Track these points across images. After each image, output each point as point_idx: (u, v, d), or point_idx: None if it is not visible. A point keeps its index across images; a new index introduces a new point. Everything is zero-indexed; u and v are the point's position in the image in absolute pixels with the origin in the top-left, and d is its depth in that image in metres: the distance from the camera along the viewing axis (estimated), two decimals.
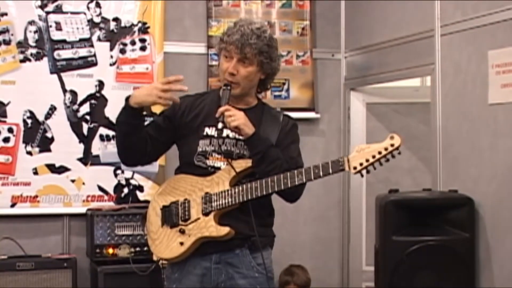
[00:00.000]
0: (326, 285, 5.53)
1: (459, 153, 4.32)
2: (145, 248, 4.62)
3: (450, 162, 4.40)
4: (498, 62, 4.02)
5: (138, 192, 5.11)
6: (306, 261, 5.45)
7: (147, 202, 4.99)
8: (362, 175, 2.96)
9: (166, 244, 3.10)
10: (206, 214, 3.05)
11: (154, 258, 4.44)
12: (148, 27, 5.17)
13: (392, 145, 2.92)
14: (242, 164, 3.05)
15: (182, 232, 3.07)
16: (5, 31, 4.86)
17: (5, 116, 4.86)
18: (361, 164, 2.91)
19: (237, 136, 3.07)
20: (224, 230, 3.01)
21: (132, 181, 5.10)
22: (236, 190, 3.01)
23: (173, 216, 3.11)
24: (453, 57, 4.40)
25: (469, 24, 4.24)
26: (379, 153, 2.91)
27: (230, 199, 3.01)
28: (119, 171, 5.07)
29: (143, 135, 3.15)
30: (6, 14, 4.86)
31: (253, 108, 3.19)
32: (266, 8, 5.52)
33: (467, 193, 4.13)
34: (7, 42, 4.86)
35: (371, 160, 2.91)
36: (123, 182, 5.09)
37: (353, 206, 5.57)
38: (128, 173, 5.08)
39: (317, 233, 5.62)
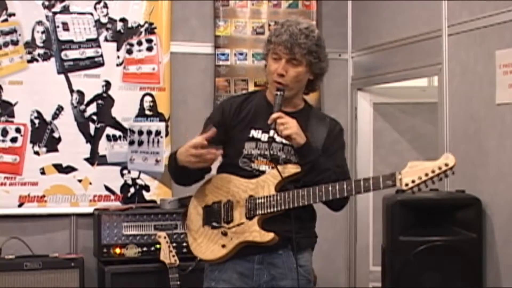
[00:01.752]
0: (333, 285, 5.53)
1: (466, 153, 4.31)
2: (152, 248, 4.63)
3: (457, 162, 4.37)
4: (506, 62, 4.01)
5: (144, 192, 5.11)
6: (313, 261, 5.42)
7: (154, 202, 5.06)
8: (413, 192, 2.89)
9: (207, 245, 3.06)
10: (250, 218, 3.00)
11: (162, 258, 4.48)
12: (155, 28, 5.18)
13: (446, 164, 2.83)
14: (290, 170, 3.00)
15: (225, 234, 3.03)
16: (13, 31, 4.87)
17: (13, 116, 4.87)
18: (413, 181, 2.83)
19: (284, 140, 3.02)
20: (269, 236, 2.96)
21: (139, 181, 5.10)
22: (282, 196, 2.96)
23: (215, 216, 3.06)
24: (460, 57, 4.39)
25: (477, 24, 4.23)
26: (433, 171, 2.82)
27: (275, 205, 2.96)
28: (125, 171, 5.08)
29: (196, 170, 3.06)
30: (14, 14, 4.87)
31: (301, 111, 3.13)
32: (272, 8, 5.52)
33: (474, 193, 4.12)
34: (14, 43, 4.88)
35: (424, 178, 2.83)
36: (130, 182, 5.10)
37: (360, 206, 5.57)
38: (134, 173, 5.09)
39: (324, 233, 5.54)
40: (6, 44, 4.85)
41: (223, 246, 3.02)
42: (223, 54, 5.39)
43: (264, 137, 3.04)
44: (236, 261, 3.03)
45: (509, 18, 3.98)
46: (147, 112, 5.14)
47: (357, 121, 5.57)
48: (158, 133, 5.13)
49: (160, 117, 5.14)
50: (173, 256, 4.48)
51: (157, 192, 5.11)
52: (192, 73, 5.32)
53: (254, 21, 5.47)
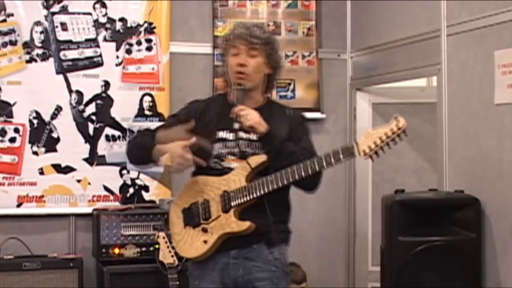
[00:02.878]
0: (332, 285, 5.52)
1: (465, 153, 4.31)
2: (151, 248, 4.63)
3: (456, 162, 4.39)
4: (505, 62, 4.01)
5: (143, 192, 5.11)
6: (312, 261, 5.45)
7: (153, 202, 5.06)
8: (372, 160, 3.00)
9: (190, 244, 3.21)
10: (226, 211, 3.14)
11: (160, 258, 4.48)
12: (154, 27, 5.17)
13: (397, 126, 2.93)
14: (256, 160, 3.14)
15: (205, 230, 3.17)
16: (11, 31, 4.87)
17: (11, 117, 4.87)
18: (369, 148, 2.95)
19: (250, 137, 3.17)
20: (245, 224, 3.10)
21: (138, 181, 5.10)
22: (253, 184, 3.10)
23: (194, 216, 3.21)
24: (460, 57, 4.39)
25: (476, 24, 4.23)
26: (386, 136, 2.93)
27: (247, 194, 3.09)
28: (124, 171, 5.08)
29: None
30: (12, 14, 4.87)
31: (262, 107, 3.26)
32: (271, 8, 5.52)
33: (473, 193, 4.12)
34: (13, 43, 4.87)
35: (379, 143, 2.94)
36: (129, 182, 5.09)
37: (359, 207, 5.56)
38: (133, 173, 5.09)
39: (322, 233, 5.62)
40: (4, 45, 4.85)
41: (205, 241, 3.17)
42: (222, 54, 5.37)
43: (231, 136, 3.19)
44: (214, 258, 3.18)
45: (508, 18, 3.98)
46: (147, 112, 5.14)
47: (356, 121, 5.57)
48: None
49: (160, 117, 5.14)
50: (172, 256, 4.47)
51: (156, 192, 5.11)
52: (191, 73, 5.32)
53: (253, 21, 5.46)
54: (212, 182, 3.20)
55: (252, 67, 3.20)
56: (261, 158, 3.13)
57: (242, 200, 3.11)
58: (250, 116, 3.09)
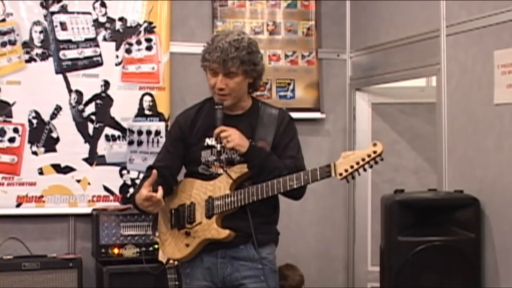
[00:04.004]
0: (331, 285, 5.52)
1: (464, 153, 4.31)
2: (151, 248, 4.63)
3: (456, 162, 4.39)
4: (504, 62, 4.01)
5: None
6: (311, 261, 5.45)
7: None
8: (348, 181, 3.15)
9: (175, 245, 3.32)
10: (208, 217, 3.23)
11: (160, 258, 4.48)
12: (154, 27, 5.17)
13: (374, 152, 3.04)
14: (237, 171, 3.21)
15: (188, 234, 3.27)
16: (11, 31, 4.87)
17: (11, 116, 4.87)
18: (346, 171, 3.06)
19: None
20: (224, 233, 3.19)
21: (138, 181, 5.09)
22: (235, 194, 3.18)
23: (180, 218, 3.30)
24: (459, 57, 4.39)
25: (475, 24, 4.23)
26: (363, 159, 3.05)
27: (230, 203, 3.18)
28: (124, 171, 5.08)
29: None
30: (11, 14, 4.87)
31: (249, 111, 3.33)
32: (271, 8, 5.52)
33: (472, 193, 4.12)
34: (12, 43, 4.87)
35: (355, 166, 3.06)
36: (129, 182, 5.09)
37: (358, 207, 5.56)
38: (133, 173, 5.09)
39: (322, 234, 5.62)
40: (4, 44, 4.85)
41: (187, 245, 3.27)
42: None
43: (217, 143, 3.23)
44: (203, 257, 3.27)
45: (508, 18, 3.98)
46: (147, 112, 5.14)
47: (356, 121, 5.57)
48: (157, 133, 5.13)
49: (160, 117, 5.14)
50: None
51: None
52: (191, 73, 5.32)
53: (253, 21, 5.47)
54: (199, 186, 3.28)
55: (231, 88, 3.23)
56: (242, 168, 3.21)
57: (224, 209, 3.19)
58: (231, 137, 3.16)
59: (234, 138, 3.17)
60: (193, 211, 3.27)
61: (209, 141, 3.28)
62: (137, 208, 3.26)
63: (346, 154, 3.09)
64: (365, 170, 3.10)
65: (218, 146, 3.19)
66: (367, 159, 3.04)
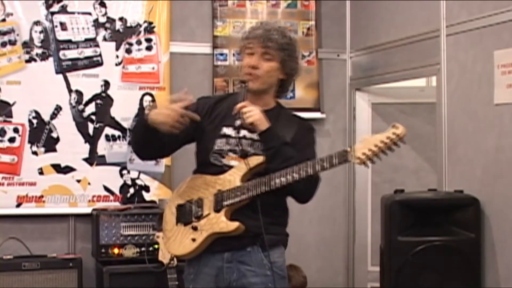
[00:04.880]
0: (331, 285, 5.52)
1: (464, 153, 4.31)
2: (151, 248, 4.63)
3: (456, 162, 4.39)
4: (504, 62, 4.01)
5: (144, 192, 5.11)
6: (311, 261, 5.45)
7: (153, 202, 5.06)
8: (367, 166, 2.91)
9: (180, 241, 3.12)
10: (217, 210, 3.06)
11: (160, 258, 4.48)
12: (154, 27, 5.17)
13: (394, 133, 2.84)
14: (254, 161, 3.05)
15: (195, 228, 3.08)
16: (11, 31, 4.87)
17: (11, 116, 4.87)
18: (364, 154, 2.85)
19: (254, 137, 3.09)
20: (234, 225, 3.01)
21: (138, 181, 5.10)
22: (246, 185, 3.02)
23: (186, 214, 3.13)
24: (459, 57, 4.39)
25: (475, 24, 4.23)
26: (382, 142, 2.84)
27: (239, 194, 3.02)
28: (125, 171, 5.08)
29: (160, 139, 3.11)
30: (11, 14, 4.87)
31: (271, 110, 3.17)
32: (271, 8, 5.52)
33: (472, 193, 4.12)
34: (12, 43, 4.88)
35: (375, 149, 2.84)
36: (129, 182, 5.09)
37: (358, 206, 5.57)
38: (134, 173, 5.09)
39: (322, 233, 5.62)
40: (4, 44, 4.85)
41: (193, 240, 3.07)
42: (221, 54, 5.38)
43: (234, 133, 3.11)
44: (207, 261, 3.10)
45: (508, 18, 3.98)
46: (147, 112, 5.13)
47: (356, 121, 5.57)
48: None
49: None
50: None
51: (157, 192, 5.10)
52: (191, 73, 5.32)
53: (253, 21, 5.45)
54: (208, 181, 3.12)
55: (263, 70, 3.10)
56: (259, 159, 3.05)
57: (234, 200, 3.03)
58: (252, 112, 3.01)
59: (255, 113, 3.01)
60: (201, 206, 3.10)
61: (226, 130, 3.13)
62: (142, 125, 3.05)
63: (364, 138, 2.89)
64: (385, 153, 2.86)
65: (237, 122, 3.06)
66: (387, 141, 2.83)
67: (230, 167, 3.09)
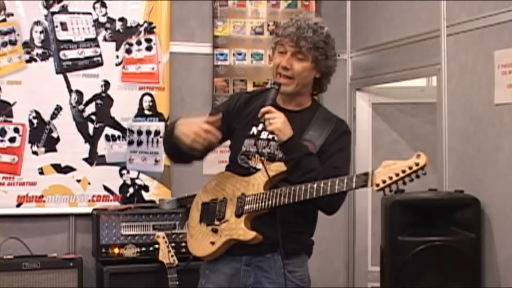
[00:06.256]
0: (331, 285, 5.52)
1: (465, 153, 4.31)
2: (151, 248, 4.63)
3: (456, 162, 4.39)
4: (504, 62, 4.01)
5: (143, 192, 5.11)
6: (312, 261, 5.42)
7: (153, 202, 5.06)
8: (384, 193, 2.85)
9: (200, 242, 3.07)
10: (238, 216, 2.99)
11: (160, 258, 4.48)
12: (154, 27, 5.17)
13: (417, 164, 2.80)
14: (276, 168, 2.96)
15: (215, 231, 3.02)
16: (11, 31, 4.87)
17: (11, 116, 4.87)
18: (383, 182, 2.78)
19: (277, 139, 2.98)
20: (251, 234, 2.94)
21: (138, 181, 5.10)
22: (268, 195, 2.93)
23: (210, 213, 3.07)
24: (459, 57, 4.39)
25: (475, 24, 4.23)
26: (403, 171, 2.79)
27: (260, 204, 2.94)
28: (124, 171, 5.08)
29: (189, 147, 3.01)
30: (12, 14, 4.87)
31: (305, 110, 3.08)
32: (271, 8, 5.52)
33: (473, 193, 4.12)
34: (13, 43, 4.88)
35: (395, 178, 2.79)
36: (129, 182, 5.09)
37: (358, 206, 5.56)
38: (133, 173, 5.09)
39: (322, 234, 5.57)
40: (4, 44, 4.85)
41: (212, 243, 3.02)
42: (222, 54, 5.38)
43: (264, 134, 3.01)
44: (225, 261, 3.03)
45: (508, 18, 3.98)
46: (146, 112, 5.14)
47: (356, 121, 5.57)
48: (157, 133, 5.13)
49: (160, 117, 5.14)
50: (172, 256, 4.48)
51: (156, 192, 5.11)
52: (191, 73, 5.32)
53: (253, 21, 5.47)
54: (234, 181, 3.04)
55: (296, 71, 2.98)
56: (281, 167, 2.95)
57: (254, 208, 2.94)
58: (275, 120, 2.89)
59: (278, 121, 2.88)
60: (224, 207, 3.02)
61: (255, 130, 3.03)
62: (170, 138, 2.98)
63: (386, 164, 2.81)
64: (404, 183, 2.81)
65: (260, 126, 2.95)
66: (408, 171, 2.78)
67: (257, 169, 3.01)
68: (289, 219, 2.95)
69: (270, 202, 2.91)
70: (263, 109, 2.91)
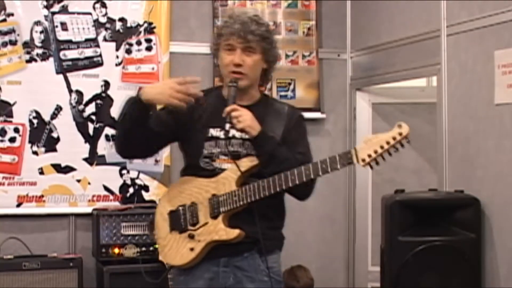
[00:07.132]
0: (331, 286, 5.52)
1: (465, 153, 4.31)
2: (151, 248, 4.63)
3: (456, 162, 4.39)
4: (504, 62, 4.01)
5: (143, 192, 5.11)
6: (312, 261, 5.45)
7: (153, 202, 5.06)
8: (371, 167, 2.85)
9: (176, 251, 3.03)
10: (214, 217, 2.96)
11: (161, 258, 4.48)
12: (154, 27, 5.17)
13: (400, 133, 2.79)
14: (247, 163, 2.96)
15: (192, 237, 2.99)
16: (11, 31, 4.87)
17: (11, 116, 4.87)
18: (369, 156, 2.79)
19: (244, 136, 2.98)
20: (234, 232, 2.93)
21: (138, 181, 5.10)
22: (243, 190, 2.92)
23: (181, 221, 3.03)
24: (459, 57, 4.39)
25: (475, 24, 4.23)
26: (387, 143, 2.79)
27: (238, 200, 2.92)
28: (124, 171, 5.08)
29: (147, 130, 3.03)
30: (12, 14, 4.87)
31: (257, 103, 3.10)
32: (271, 8, 5.52)
33: (473, 193, 4.12)
34: (13, 43, 4.88)
35: (380, 150, 2.79)
36: (129, 182, 5.09)
37: (359, 206, 5.56)
38: (133, 173, 5.09)
39: (322, 233, 5.62)
40: (4, 44, 4.85)
41: (191, 249, 2.98)
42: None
43: (222, 134, 3.00)
44: (202, 266, 3.01)
45: (508, 18, 3.98)
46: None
47: (356, 121, 5.57)
48: None
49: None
50: None
51: (156, 192, 5.11)
52: (191, 73, 5.29)
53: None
54: (200, 184, 3.01)
55: (248, 66, 3.00)
56: (252, 161, 2.95)
57: (232, 207, 2.93)
58: (242, 117, 2.91)
59: (246, 118, 2.91)
60: (196, 212, 2.98)
61: (214, 132, 3.02)
62: (134, 103, 2.95)
63: (367, 138, 2.82)
64: (390, 154, 2.81)
65: (227, 126, 2.93)
66: (392, 142, 2.78)
67: (222, 170, 2.99)
68: (264, 214, 2.96)
69: (248, 198, 2.91)
70: (228, 109, 2.93)
